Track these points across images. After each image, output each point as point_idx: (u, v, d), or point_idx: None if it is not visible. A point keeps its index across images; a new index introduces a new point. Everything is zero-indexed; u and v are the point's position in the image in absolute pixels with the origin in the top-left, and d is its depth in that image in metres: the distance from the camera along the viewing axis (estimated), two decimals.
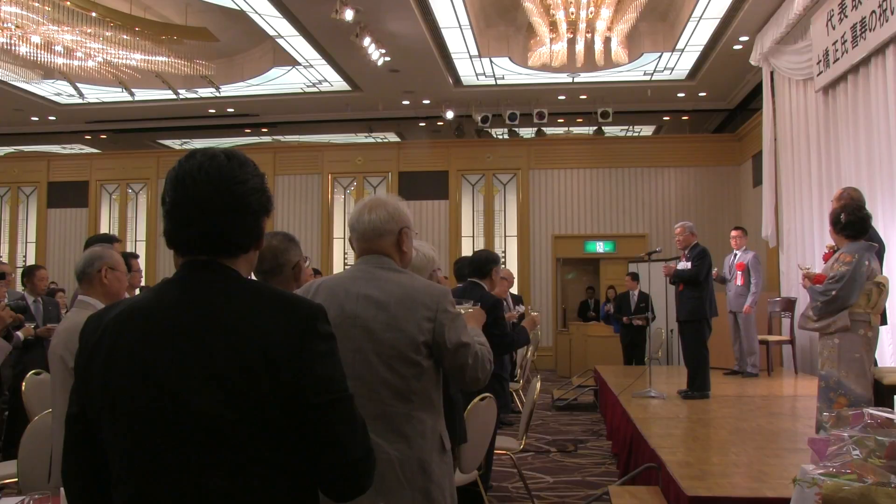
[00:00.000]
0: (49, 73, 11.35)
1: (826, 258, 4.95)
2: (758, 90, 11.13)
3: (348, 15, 8.90)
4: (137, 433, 1.28)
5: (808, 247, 8.63)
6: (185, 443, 1.26)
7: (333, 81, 12.58)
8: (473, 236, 14.34)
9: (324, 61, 11.49)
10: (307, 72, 12.13)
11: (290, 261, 2.50)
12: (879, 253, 4.77)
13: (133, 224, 15.22)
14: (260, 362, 1.26)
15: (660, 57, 11.47)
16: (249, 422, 1.26)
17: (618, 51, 9.83)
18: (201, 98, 13.18)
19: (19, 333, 5.58)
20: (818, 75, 8.14)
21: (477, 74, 12.41)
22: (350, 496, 1.36)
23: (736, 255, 8.36)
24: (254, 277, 1.52)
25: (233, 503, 1.27)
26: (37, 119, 14.66)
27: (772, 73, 9.97)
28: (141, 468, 1.29)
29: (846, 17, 7.28)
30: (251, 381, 1.26)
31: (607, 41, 9.68)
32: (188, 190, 1.34)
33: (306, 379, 1.29)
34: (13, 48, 9.01)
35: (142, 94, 12.57)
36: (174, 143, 16.66)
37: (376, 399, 2.02)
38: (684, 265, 6.74)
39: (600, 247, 13.97)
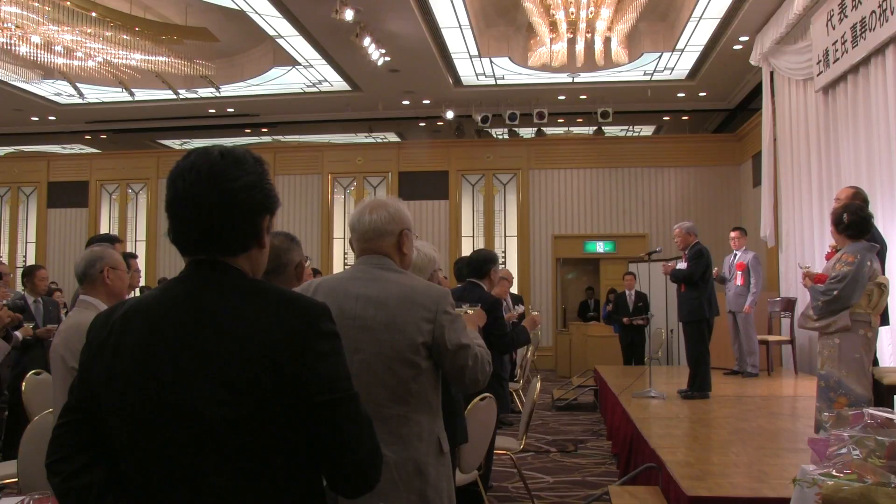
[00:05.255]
0: (49, 73, 11.34)
1: (829, 257, 4.95)
2: (758, 90, 11.13)
3: (348, 15, 8.90)
4: (141, 433, 1.28)
5: (807, 247, 8.63)
6: (188, 442, 1.26)
7: (333, 81, 12.58)
8: (473, 236, 14.34)
9: (324, 61, 11.49)
10: (307, 72, 12.13)
11: (292, 261, 2.50)
12: (881, 253, 4.77)
13: (133, 224, 15.21)
14: (262, 362, 1.26)
15: (660, 57, 11.47)
16: (253, 421, 1.25)
17: (618, 51, 9.83)
18: (201, 98, 13.18)
19: (18, 333, 5.58)
20: (818, 75, 8.14)
21: (477, 74, 12.41)
22: (358, 493, 1.36)
23: (736, 255, 8.36)
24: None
25: (237, 503, 1.27)
26: (37, 119, 14.66)
27: (772, 73, 9.97)
28: (146, 468, 1.29)
29: (846, 17, 7.29)
30: (254, 380, 1.25)
31: (607, 41, 9.68)
32: (179, 189, 1.34)
33: (310, 378, 1.28)
34: (13, 48, 9.01)
35: (142, 94, 12.57)
36: (174, 143, 16.66)
37: (373, 401, 2.01)
38: (683, 265, 6.75)
39: (600, 247, 13.97)
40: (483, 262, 4.68)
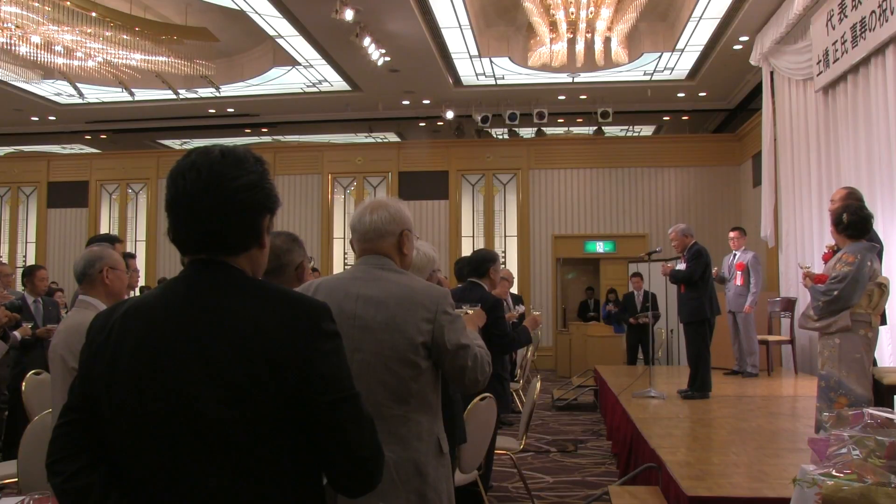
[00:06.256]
0: (49, 73, 11.35)
1: (826, 258, 4.95)
2: (758, 90, 11.13)
3: (348, 15, 8.90)
4: (142, 433, 1.28)
5: (807, 247, 8.63)
6: (189, 443, 1.25)
7: (333, 81, 12.58)
8: (473, 236, 14.34)
9: (324, 61, 11.49)
10: (307, 72, 12.13)
11: (292, 261, 2.48)
12: (879, 253, 4.77)
13: (133, 224, 15.22)
14: (264, 362, 1.26)
15: (660, 57, 11.47)
16: (254, 422, 1.25)
17: (618, 51, 9.83)
18: (201, 98, 13.18)
19: (16, 333, 5.58)
20: (818, 75, 8.15)
21: (477, 74, 12.41)
22: (360, 492, 1.36)
23: (735, 255, 8.37)
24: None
25: (237, 503, 1.27)
26: (37, 119, 14.66)
27: (772, 73, 9.97)
28: (146, 468, 1.28)
29: (846, 17, 7.29)
30: (255, 380, 1.25)
31: (607, 41, 9.68)
32: (179, 188, 1.33)
33: (311, 378, 1.28)
34: (13, 48, 9.01)
35: (142, 94, 12.57)
36: (174, 143, 16.67)
37: (373, 400, 2.01)
38: (682, 266, 6.75)
39: (600, 247, 13.97)
40: (482, 262, 4.67)
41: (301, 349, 1.28)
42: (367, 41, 9.91)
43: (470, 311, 2.62)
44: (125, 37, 9.33)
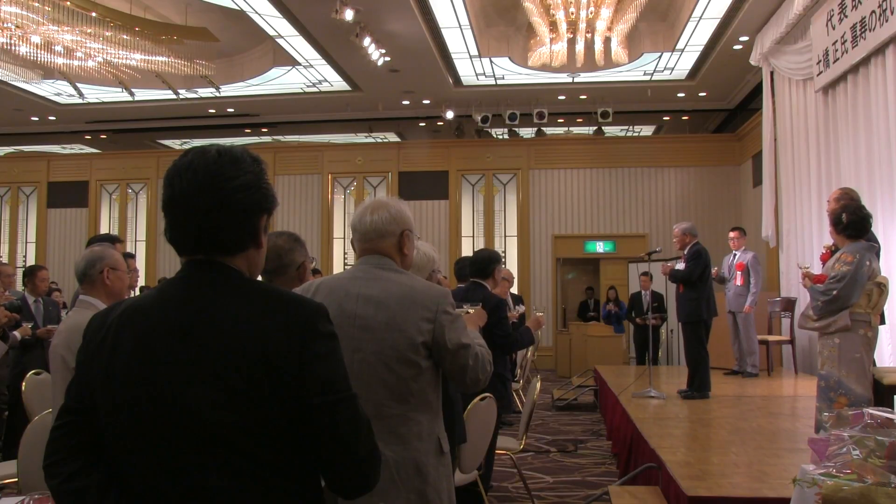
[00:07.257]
0: (49, 73, 11.34)
1: (824, 258, 4.96)
2: (758, 90, 11.13)
3: (348, 15, 8.91)
4: (138, 433, 1.28)
5: (807, 247, 8.63)
6: (186, 444, 1.25)
7: (333, 81, 12.58)
8: (473, 236, 14.34)
9: (324, 61, 11.49)
10: (307, 72, 12.13)
11: (294, 261, 2.49)
12: (877, 253, 4.77)
13: (133, 224, 15.22)
14: (260, 363, 1.26)
15: (660, 57, 11.47)
16: (250, 422, 1.25)
17: (618, 51, 9.83)
18: (201, 98, 13.18)
19: (16, 333, 5.58)
20: (818, 75, 8.15)
21: (477, 74, 12.41)
22: (357, 494, 1.36)
23: (735, 255, 8.37)
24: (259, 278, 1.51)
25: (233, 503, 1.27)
26: (37, 119, 14.66)
27: (772, 73, 9.98)
28: (143, 469, 1.28)
29: (846, 17, 7.29)
30: (251, 381, 1.25)
31: (607, 41, 9.68)
32: (176, 188, 1.33)
33: (307, 379, 1.28)
34: (13, 48, 9.01)
35: (142, 94, 12.57)
36: (174, 143, 16.67)
37: (373, 400, 2.02)
38: (682, 266, 6.76)
39: (600, 247, 13.97)
40: (487, 262, 4.63)
41: (297, 350, 1.28)
42: (367, 41, 9.91)
43: (471, 311, 2.63)
44: (125, 37, 9.32)
